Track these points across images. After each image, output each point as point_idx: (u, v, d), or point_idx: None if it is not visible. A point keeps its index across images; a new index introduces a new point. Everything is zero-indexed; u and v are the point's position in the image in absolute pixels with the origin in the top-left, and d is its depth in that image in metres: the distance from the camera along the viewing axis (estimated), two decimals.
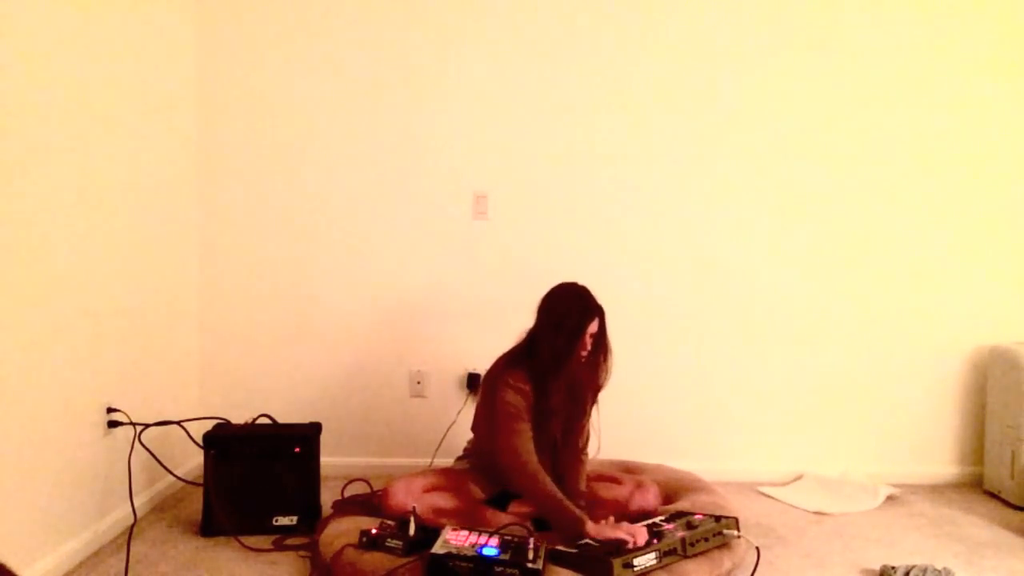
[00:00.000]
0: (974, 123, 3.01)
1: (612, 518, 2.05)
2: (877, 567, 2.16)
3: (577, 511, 2.05)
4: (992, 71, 2.99)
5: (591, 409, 2.34)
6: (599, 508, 2.25)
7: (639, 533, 1.95)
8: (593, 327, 2.21)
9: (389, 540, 1.97)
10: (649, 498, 2.34)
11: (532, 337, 2.26)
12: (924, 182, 3.02)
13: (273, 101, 2.96)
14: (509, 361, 2.26)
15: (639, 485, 2.39)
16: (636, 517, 2.21)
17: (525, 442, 2.15)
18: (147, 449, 2.40)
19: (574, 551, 1.90)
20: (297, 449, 2.40)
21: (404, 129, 2.98)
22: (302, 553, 2.22)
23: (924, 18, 2.98)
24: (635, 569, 1.85)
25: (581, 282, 2.29)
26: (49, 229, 2.00)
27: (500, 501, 2.31)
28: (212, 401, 2.98)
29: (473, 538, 1.93)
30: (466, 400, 2.98)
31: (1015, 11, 2.98)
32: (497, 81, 2.98)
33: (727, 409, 3.05)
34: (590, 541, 1.93)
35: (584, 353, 2.22)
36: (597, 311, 2.22)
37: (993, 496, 2.90)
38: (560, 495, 2.07)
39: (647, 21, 2.97)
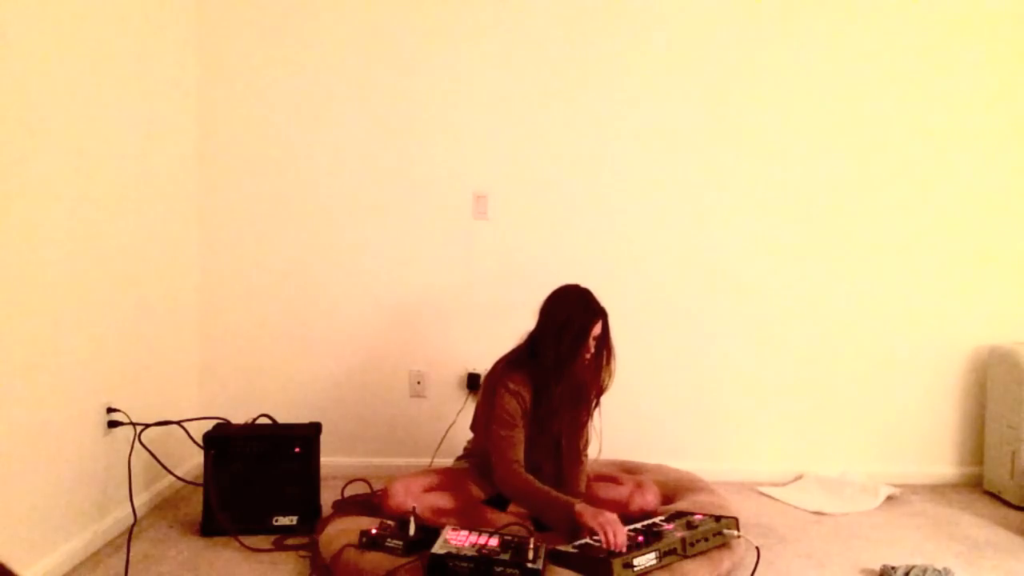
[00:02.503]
0: (975, 124, 3.01)
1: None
2: (877, 567, 2.17)
3: (564, 496, 2.06)
4: (993, 72, 2.99)
5: (593, 411, 2.34)
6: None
7: (619, 531, 1.90)
8: (596, 330, 2.21)
9: (389, 540, 1.97)
10: (649, 498, 2.35)
11: (534, 339, 2.26)
12: (924, 182, 3.02)
13: (273, 101, 2.96)
14: (510, 363, 2.25)
15: (639, 485, 2.39)
16: (636, 517, 2.21)
17: (514, 449, 2.16)
18: (147, 449, 2.40)
19: (574, 551, 1.89)
20: (297, 449, 2.40)
21: (404, 129, 2.98)
22: (302, 553, 2.22)
23: (929, 18, 2.98)
24: (635, 569, 1.85)
25: (582, 283, 2.28)
26: (49, 229, 2.00)
27: (500, 501, 2.31)
28: (212, 401, 2.98)
29: (473, 538, 1.93)
30: (466, 400, 2.98)
31: (1017, 12, 2.98)
32: (497, 81, 2.98)
33: (727, 409, 3.05)
34: (589, 541, 1.93)
35: (587, 356, 2.22)
36: (601, 314, 2.22)
37: (993, 496, 2.90)
38: (546, 489, 2.08)
39: (648, 21, 2.97)
